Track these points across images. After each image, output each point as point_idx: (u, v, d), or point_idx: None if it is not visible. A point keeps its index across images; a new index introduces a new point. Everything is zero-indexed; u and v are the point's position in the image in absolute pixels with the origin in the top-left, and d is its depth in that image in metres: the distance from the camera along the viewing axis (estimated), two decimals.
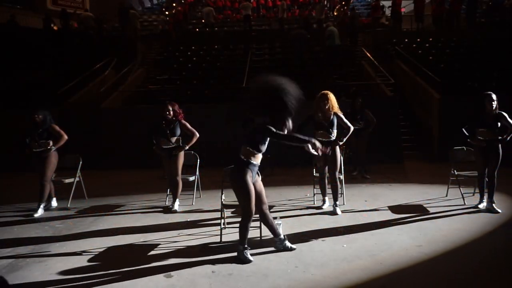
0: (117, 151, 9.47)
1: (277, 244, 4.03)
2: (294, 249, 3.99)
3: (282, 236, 4.01)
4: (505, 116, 5.03)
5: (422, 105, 10.64)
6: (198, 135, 5.69)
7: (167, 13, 18.90)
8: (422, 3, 14.89)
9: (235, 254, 3.87)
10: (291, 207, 5.64)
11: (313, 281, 3.35)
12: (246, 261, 3.73)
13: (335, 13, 18.26)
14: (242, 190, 3.70)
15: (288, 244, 4.01)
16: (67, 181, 6.26)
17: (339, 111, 5.31)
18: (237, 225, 4.86)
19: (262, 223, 4.07)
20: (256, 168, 3.83)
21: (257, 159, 3.79)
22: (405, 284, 3.31)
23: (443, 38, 14.02)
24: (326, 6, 20.00)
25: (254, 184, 3.82)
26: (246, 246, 3.80)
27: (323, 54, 13.91)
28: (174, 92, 11.77)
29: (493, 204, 5.18)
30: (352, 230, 4.60)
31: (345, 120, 5.32)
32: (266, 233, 4.45)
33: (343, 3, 18.96)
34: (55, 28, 16.78)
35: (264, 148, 3.77)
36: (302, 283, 3.31)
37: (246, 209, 3.73)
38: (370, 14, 17.27)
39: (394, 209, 5.47)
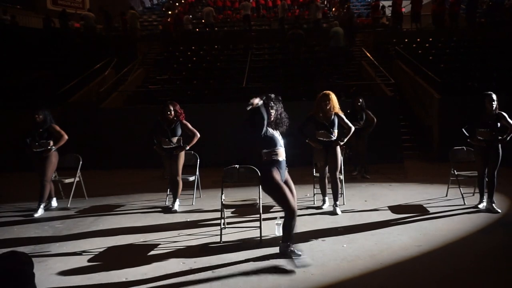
0: (117, 151, 9.47)
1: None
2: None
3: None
4: (505, 116, 5.03)
5: (422, 105, 10.64)
6: (199, 135, 5.69)
7: (169, 12, 18.89)
8: (419, 3, 14.90)
9: (233, 253, 3.87)
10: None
11: (313, 281, 3.35)
12: (296, 254, 3.71)
13: (333, 13, 18.27)
14: (275, 191, 3.69)
15: (297, 256, 3.76)
16: (67, 181, 6.26)
17: (340, 111, 5.32)
18: (237, 225, 4.90)
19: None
20: (283, 165, 3.80)
21: (278, 155, 3.76)
22: (405, 283, 3.32)
23: (443, 38, 14.02)
24: (326, 6, 20.00)
25: (285, 183, 3.81)
26: (289, 244, 3.75)
27: (323, 54, 13.91)
28: (174, 92, 11.76)
29: (493, 204, 5.18)
30: (352, 230, 4.59)
31: (345, 120, 5.32)
32: (266, 233, 4.45)
33: (343, 3, 18.97)
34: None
35: (270, 143, 3.74)
36: (302, 283, 3.31)
37: (287, 207, 3.67)
38: (370, 14, 17.27)
39: (394, 209, 5.47)
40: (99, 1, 20.39)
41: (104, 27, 17.49)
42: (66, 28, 16.53)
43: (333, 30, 12.78)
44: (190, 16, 17.38)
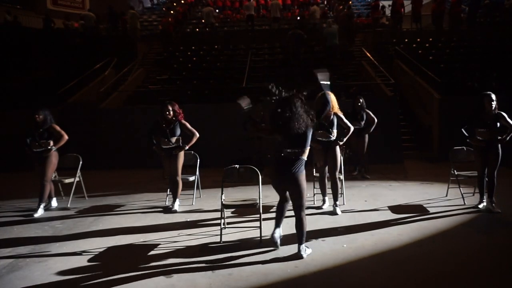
0: (117, 151, 9.47)
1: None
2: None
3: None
4: (504, 116, 5.03)
5: (422, 105, 10.64)
6: (198, 135, 5.69)
7: (171, 12, 18.80)
8: (419, 3, 14.89)
9: (233, 253, 3.87)
10: (291, 207, 5.62)
11: (313, 281, 3.35)
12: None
13: (333, 13, 18.27)
14: (303, 188, 3.83)
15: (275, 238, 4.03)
16: (67, 181, 6.26)
17: (340, 111, 5.32)
18: (237, 225, 4.90)
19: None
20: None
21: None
22: (406, 283, 3.32)
23: (443, 38, 14.03)
24: (326, 6, 20.00)
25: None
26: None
27: (323, 54, 13.92)
28: (174, 92, 11.77)
29: (493, 204, 5.18)
30: (352, 230, 4.59)
31: (345, 120, 5.33)
32: (266, 233, 4.45)
33: (343, 3, 18.95)
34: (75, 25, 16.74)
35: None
36: (302, 283, 3.31)
37: (304, 202, 3.91)
38: (370, 14, 17.26)
39: (394, 209, 5.47)
40: (99, 1, 20.39)
41: (107, 27, 17.45)
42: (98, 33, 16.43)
43: (325, 31, 12.82)
44: (216, 10, 16.89)
